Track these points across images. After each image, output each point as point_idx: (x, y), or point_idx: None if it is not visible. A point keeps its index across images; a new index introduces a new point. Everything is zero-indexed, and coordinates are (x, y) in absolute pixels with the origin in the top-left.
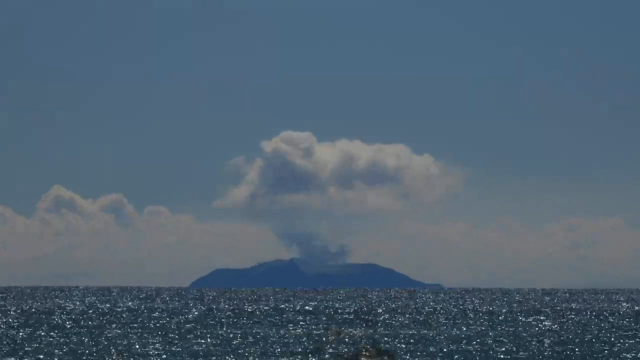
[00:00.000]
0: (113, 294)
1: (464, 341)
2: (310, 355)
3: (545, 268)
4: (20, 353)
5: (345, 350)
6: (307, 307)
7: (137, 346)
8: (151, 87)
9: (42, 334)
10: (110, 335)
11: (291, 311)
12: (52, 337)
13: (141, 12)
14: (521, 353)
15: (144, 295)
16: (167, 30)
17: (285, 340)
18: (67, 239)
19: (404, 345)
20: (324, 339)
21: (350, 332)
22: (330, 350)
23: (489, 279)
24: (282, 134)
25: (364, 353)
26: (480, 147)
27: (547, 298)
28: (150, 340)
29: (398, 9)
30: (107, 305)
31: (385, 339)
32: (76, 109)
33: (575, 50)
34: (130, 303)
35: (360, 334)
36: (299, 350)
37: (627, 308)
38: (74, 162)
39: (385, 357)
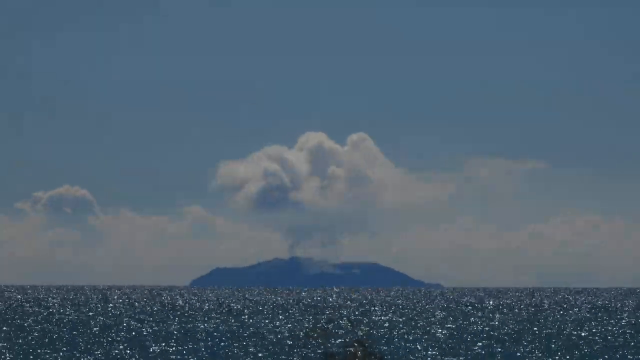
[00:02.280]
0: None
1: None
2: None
3: (545, 268)
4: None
5: (334, 350)
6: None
7: None
8: (151, 87)
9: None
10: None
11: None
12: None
13: (148, 15)
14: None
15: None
16: (163, 30)
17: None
18: (65, 239)
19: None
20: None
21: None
22: (319, 350)
23: (488, 278)
24: (284, 132)
25: (352, 353)
26: (475, 148)
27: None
28: None
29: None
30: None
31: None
32: (76, 112)
33: None
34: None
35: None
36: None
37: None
38: (76, 164)
39: (373, 358)
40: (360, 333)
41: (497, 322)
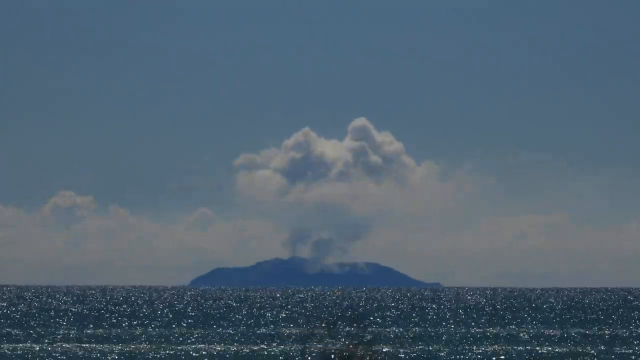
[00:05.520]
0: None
1: None
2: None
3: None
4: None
5: (334, 348)
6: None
7: None
8: (155, 87)
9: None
10: None
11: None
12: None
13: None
14: None
15: None
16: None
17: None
18: (64, 240)
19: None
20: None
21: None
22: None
23: (488, 278)
24: (289, 133)
25: (352, 350)
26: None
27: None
28: None
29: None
30: None
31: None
32: (74, 111)
33: None
34: None
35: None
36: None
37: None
38: (75, 163)
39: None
40: (359, 332)
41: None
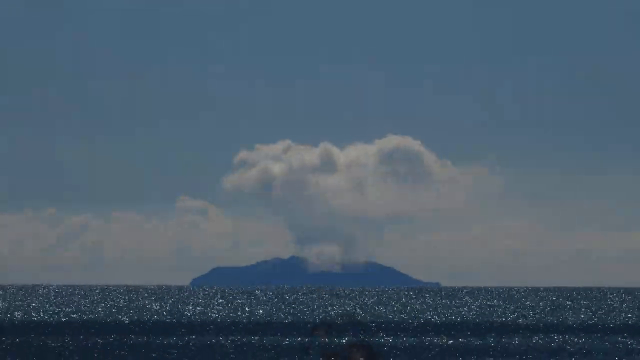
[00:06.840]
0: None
1: None
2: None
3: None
4: None
5: (333, 348)
6: None
7: None
8: (155, 79)
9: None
10: None
11: None
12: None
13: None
14: None
15: None
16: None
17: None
18: (63, 239)
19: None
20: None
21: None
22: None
23: (487, 278)
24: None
25: (351, 352)
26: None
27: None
28: None
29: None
30: None
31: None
32: (86, 110)
33: None
34: None
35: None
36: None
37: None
38: (72, 162)
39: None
40: (360, 332)
41: None
